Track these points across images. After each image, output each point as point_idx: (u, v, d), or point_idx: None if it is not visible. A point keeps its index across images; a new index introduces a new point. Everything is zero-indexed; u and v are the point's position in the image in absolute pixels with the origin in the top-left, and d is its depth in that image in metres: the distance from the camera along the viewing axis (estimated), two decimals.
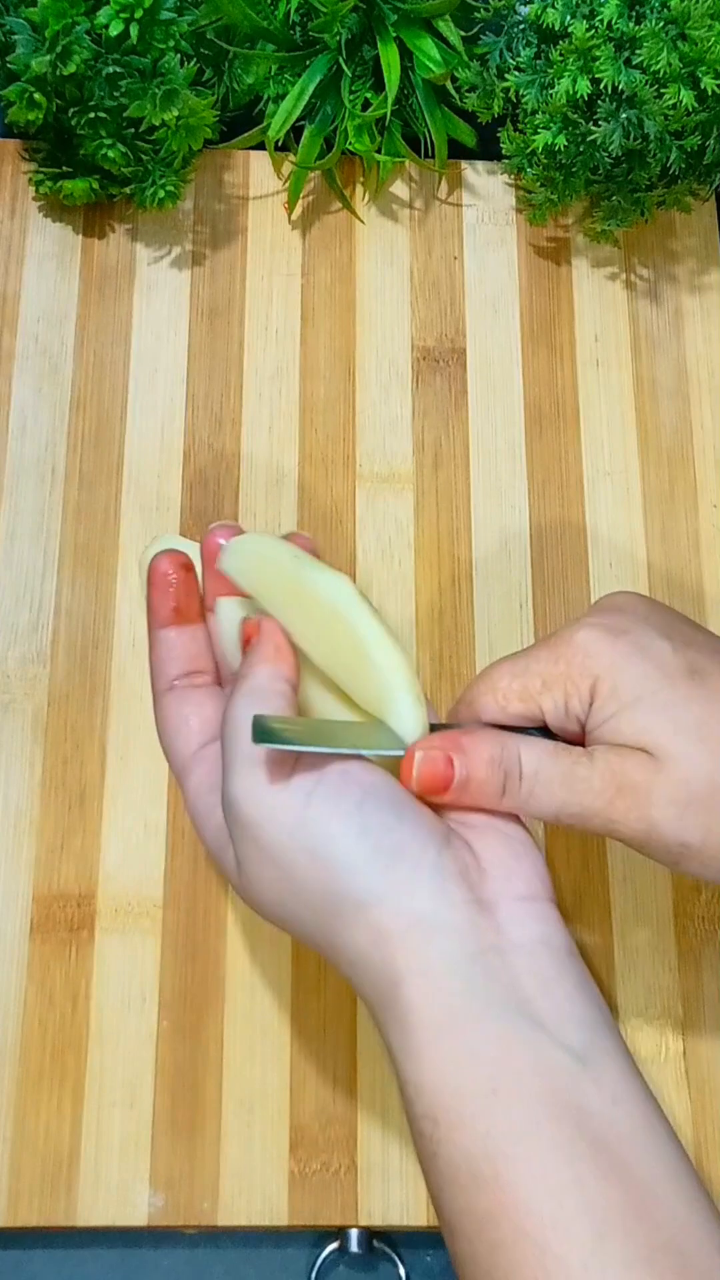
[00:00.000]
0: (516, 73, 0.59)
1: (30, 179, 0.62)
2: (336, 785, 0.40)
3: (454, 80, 0.62)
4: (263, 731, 0.41)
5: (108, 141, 0.58)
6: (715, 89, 0.56)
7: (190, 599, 0.48)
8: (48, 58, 0.55)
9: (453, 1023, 0.38)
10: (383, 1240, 0.50)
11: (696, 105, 0.56)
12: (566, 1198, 0.36)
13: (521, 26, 0.60)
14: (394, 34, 0.61)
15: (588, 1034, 0.39)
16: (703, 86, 0.56)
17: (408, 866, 0.40)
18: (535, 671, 0.44)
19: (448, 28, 0.61)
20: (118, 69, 0.56)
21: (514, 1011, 0.38)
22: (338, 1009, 0.52)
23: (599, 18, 0.56)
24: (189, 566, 0.49)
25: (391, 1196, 0.50)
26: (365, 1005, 0.40)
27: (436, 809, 0.43)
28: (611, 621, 0.44)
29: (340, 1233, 0.49)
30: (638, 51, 0.56)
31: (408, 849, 0.40)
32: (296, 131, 0.62)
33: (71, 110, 0.57)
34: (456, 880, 0.40)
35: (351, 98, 0.61)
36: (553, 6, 0.58)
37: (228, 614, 0.47)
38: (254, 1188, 0.49)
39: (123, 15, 0.55)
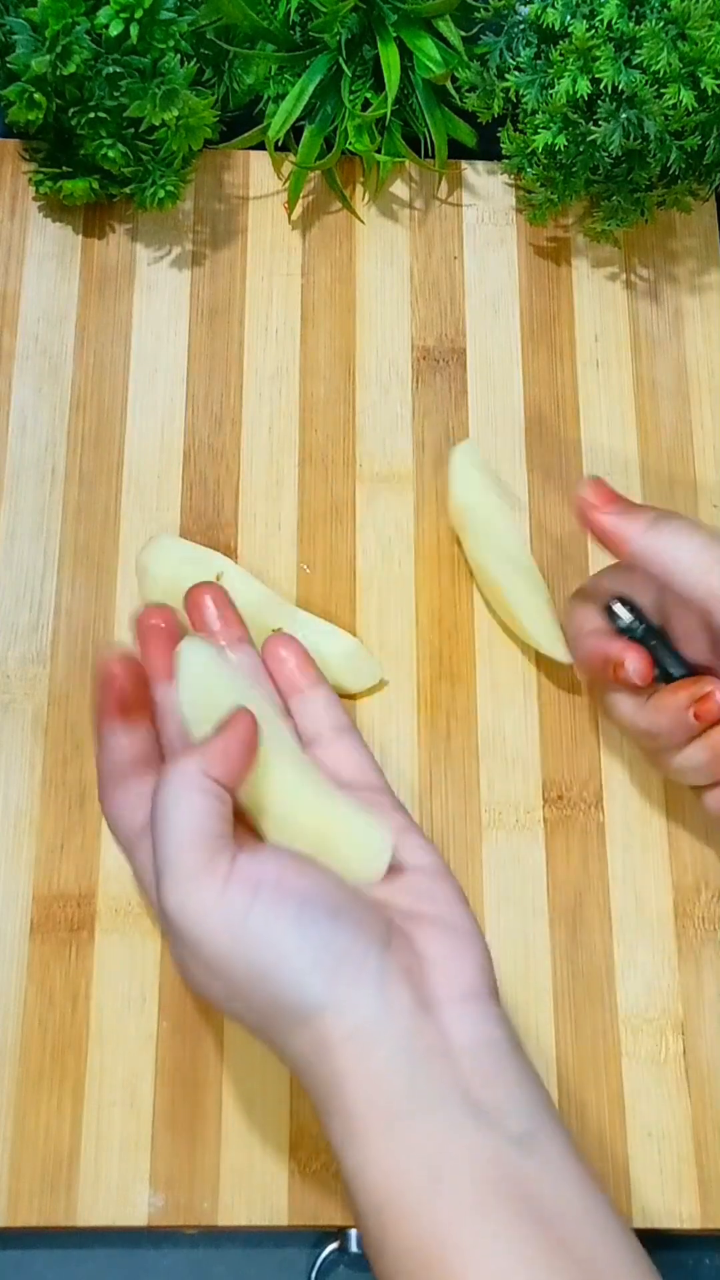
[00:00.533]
0: (516, 73, 0.59)
1: (30, 179, 0.62)
2: (273, 896, 0.41)
3: (454, 80, 0.62)
4: None
5: (108, 141, 0.58)
6: (715, 89, 0.56)
7: (139, 697, 0.49)
8: (48, 58, 0.55)
9: (395, 1119, 0.39)
10: None
11: (696, 105, 0.56)
12: (515, 1278, 0.36)
13: (521, 26, 0.60)
14: (394, 34, 0.61)
15: (529, 1121, 0.39)
16: (703, 86, 0.56)
17: (349, 974, 0.40)
18: None
19: (448, 28, 0.61)
20: (118, 69, 0.56)
21: (455, 1105, 0.39)
22: None
23: (599, 18, 0.56)
24: (138, 667, 0.49)
25: None
26: (310, 1097, 0.41)
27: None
28: None
29: (340, 1233, 0.49)
30: (638, 51, 0.56)
31: (349, 956, 0.40)
32: (296, 131, 0.62)
33: (71, 110, 0.57)
34: (400, 983, 0.40)
35: (351, 98, 0.61)
36: (553, 6, 0.58)
37: (192, 664, 0.47)
38: (254, 1188, 0.49)
39: (123, 15, 0.55)
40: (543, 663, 0.57)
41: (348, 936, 0.41)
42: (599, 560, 0.59)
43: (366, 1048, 0.39)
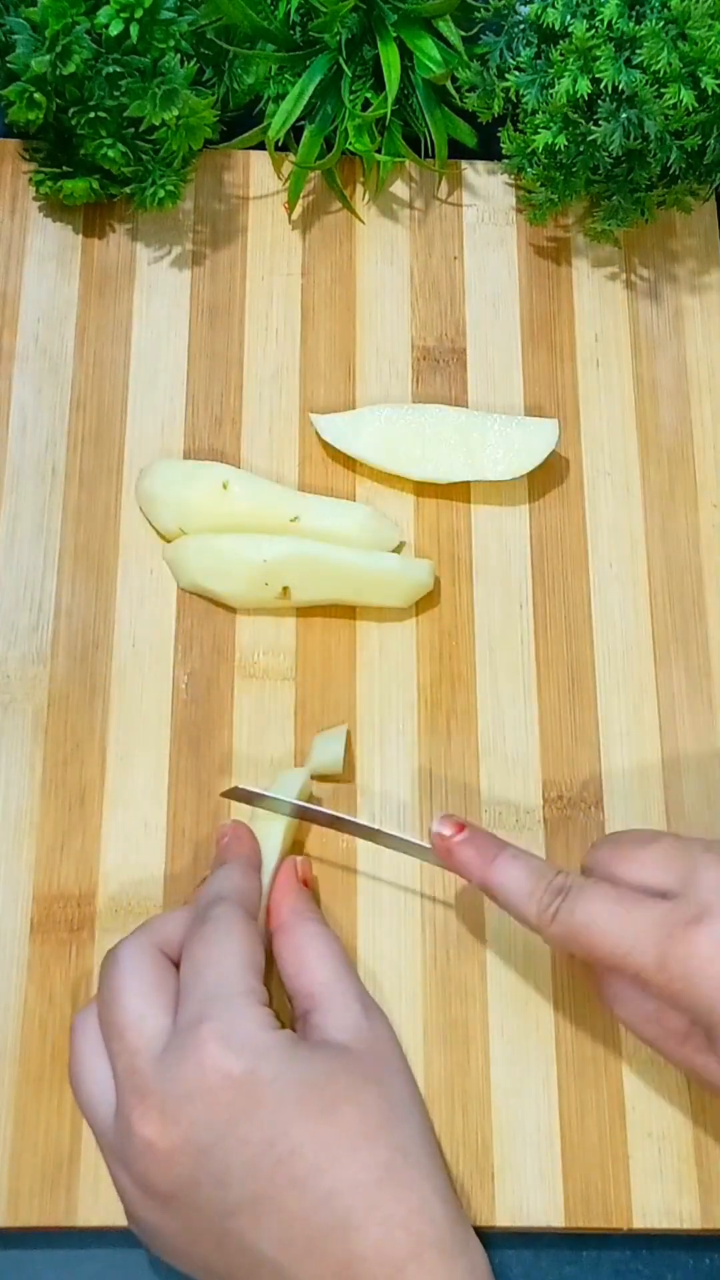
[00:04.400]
0: (516, 73, 0.59)
1: (30, 179, 0.62)
2: None
3: (454, 80, 0.62)
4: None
5: (108, 141, 0.58)
6: (715, 89, 0.56)
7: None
8: (48, 58, 0.55)
9: None
10: None
11: (696, 105, 0.56)
12: None
13: (521, 26, 0.60)
14: (394, 34, 0.61)
15: None
16: (703, 86, 0.56)
17: None
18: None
19: (448, 28, 0.61)
20: (118, 69, 0.56)
21: None
22: None
23: (599, 17, 0.56)
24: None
25: None
26: None
27: None
28: None
29: None
30: (638, 51, 0.56)
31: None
32: (296, 131, 0.62)
33: (71, 110, 0.57)
34: None
35: (351, 98, 0.61)
36: (553, 6, 0.58)
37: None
38: None
39: (123, 15, 0.55)
40: (543, 662, 0.57)
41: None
42: (599, 559, 0.59)
43: None
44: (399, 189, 0.66)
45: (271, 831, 0.52)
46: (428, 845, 0.49)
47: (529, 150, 0.60)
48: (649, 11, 0.56)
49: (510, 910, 0.47)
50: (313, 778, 0.54)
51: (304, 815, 0.52)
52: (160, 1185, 0.42)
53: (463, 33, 0.62)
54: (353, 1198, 0.41)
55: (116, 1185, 0.44)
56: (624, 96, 0.57)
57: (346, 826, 0.51)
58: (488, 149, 0.64)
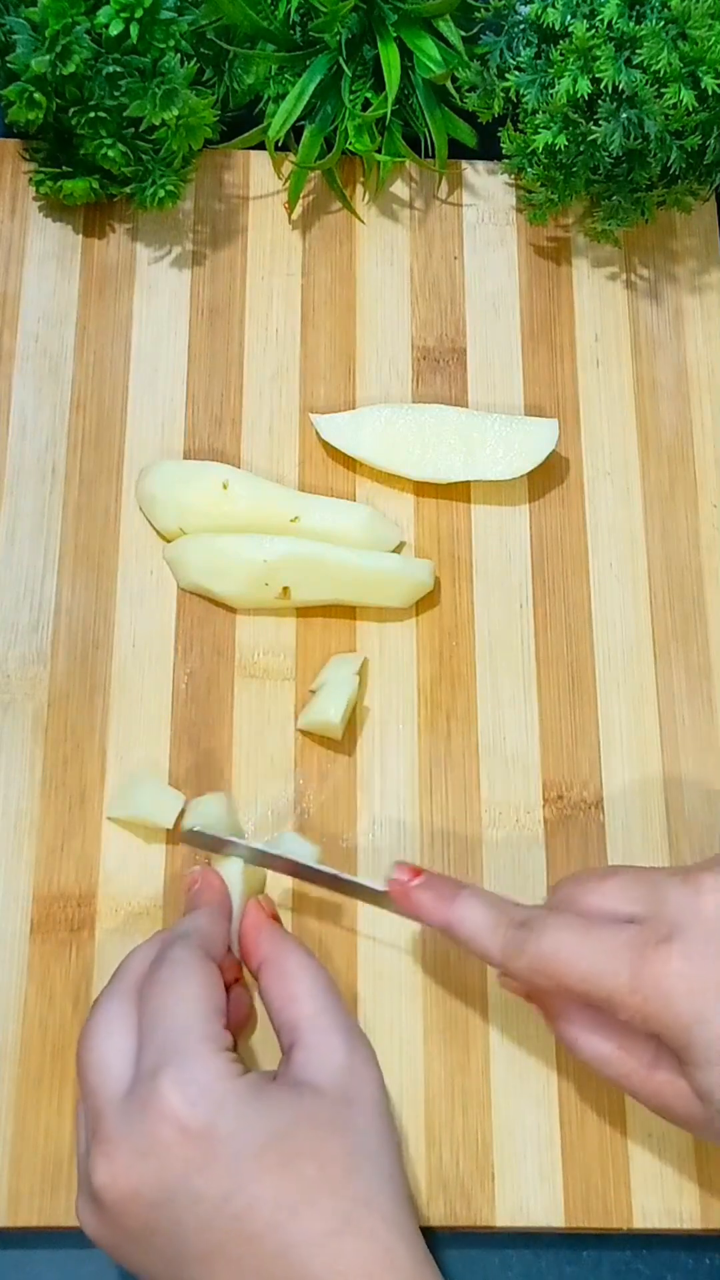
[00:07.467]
0: (517, 73, 0.59)
1: (30, 179, 0.62)
2: None
3: (454, 80, 0.62)
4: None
5: (108, 141, 0.58)
6: (715, 89, 0.56)
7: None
8: (48, 58, 0.55)
9: None
10: None
11: (697, 105, 0.56)
12: None
13: (522, 26, 0.60)
14: (394, 34, 0.61)
15: None
16: (703, 86, 0.56)
17: None
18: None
19: (448, 28, 0.61)
20: (118, 69, 0.56)
21: None
22: None
23: (599, 17, 0.56)
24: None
25: None
26: None
27: None
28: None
29: None
30: (638, 51, 0.56)
31: None
32: (297, 131, 0.62)
33: (71, 110, 0.57)
34: None
35: (351, 98, 0.61)
36: (553, 6, 0.58)
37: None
38: None
39: (123, 15, 0.55)
40: (543, 662, 0.57)
41: None
42: (599, 559, 0.59)
43: None
44: (399, 189, 0.66)
45: (233, 870, 0.51)
46: (384, 890, 0.48)
47: (529, 150, 0.60)
48: (649, 11, 0.56)
49: (473, 948, 0.46)
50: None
51: (262, 861, 0.51)
52: (115, 1230, 0.42)
53: (463, 33, 0.62)
54: (309, 1250, 0.40)
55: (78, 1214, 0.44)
56: (624, 96, 0.57)
57: (305, 873, 0.50)
58: (488, 149, 0.64)
